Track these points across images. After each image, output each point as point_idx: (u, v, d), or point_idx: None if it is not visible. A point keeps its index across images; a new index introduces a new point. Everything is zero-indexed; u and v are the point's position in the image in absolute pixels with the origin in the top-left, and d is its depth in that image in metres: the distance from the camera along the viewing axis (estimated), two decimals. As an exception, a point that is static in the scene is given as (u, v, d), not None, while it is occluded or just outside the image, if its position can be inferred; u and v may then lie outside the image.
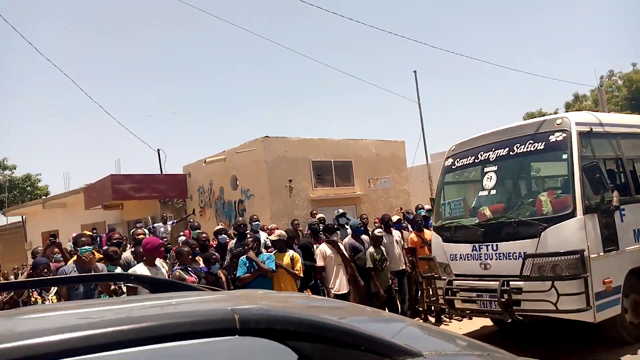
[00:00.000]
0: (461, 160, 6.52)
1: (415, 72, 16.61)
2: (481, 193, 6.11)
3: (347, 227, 8.66)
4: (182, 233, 10.00)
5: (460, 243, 5.93)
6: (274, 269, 6.13)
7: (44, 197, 26.32)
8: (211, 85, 72.46)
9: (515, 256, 5.23)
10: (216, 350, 1.00)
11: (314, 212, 10.85)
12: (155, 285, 1.67)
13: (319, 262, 6.93)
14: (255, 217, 8.62)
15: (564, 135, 5.34)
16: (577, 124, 5.38)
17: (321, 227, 7.85)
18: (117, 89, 63.37)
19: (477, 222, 5.91)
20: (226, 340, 0.94)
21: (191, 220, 13.34)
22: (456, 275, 5.89)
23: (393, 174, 14.60)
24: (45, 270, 6.07)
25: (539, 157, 5.83)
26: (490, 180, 5.92)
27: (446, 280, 5.91)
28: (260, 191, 12.77)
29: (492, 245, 5.49)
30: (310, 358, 0.97)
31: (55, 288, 5.50)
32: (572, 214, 4.99)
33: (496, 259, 5.44)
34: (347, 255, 7.06)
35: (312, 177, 13.19)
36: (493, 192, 5.92)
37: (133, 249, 7.32)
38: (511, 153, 5.81)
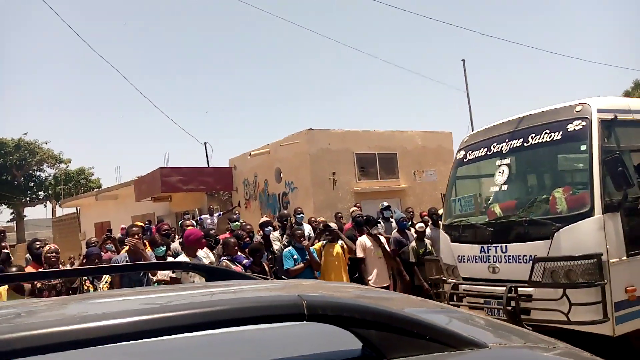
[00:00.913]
0: (473, 153, 5.97)
1: (463, 60, 16.22)
2: (492, 188, 5.58)
3: (392, 220, 8.55)
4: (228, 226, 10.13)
5: (468, 243, 5.48)
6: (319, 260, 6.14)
7: (96, 190, 27.48)
8: (257, 79, 73.37)
9: (525, 259, 4.77)
10: (282, 336, 1.05)
11: (358, 204, 10.76)
12: (212, 274, 1.68)
13: (359, 254, 6.92)
14: (299, 209, 8.63)
15: (584, 123, 4.75)
16: (600, 110, 4.77)
17: (364, 219, 7.76)
18: (165, 84, 65.16)
19: (486, 220, 5.43)
20: (288, 326, 0.98)
21: (237, 213, 13.54)
22: (463, 278, 5.46)
23: (439, 166, 14.25)
24: (97, 260, 6.29)
25: (556, 149, 5.16)
26: (502, 175, 5.41)
27: (451, 285, 5.51)
28: (303, 183, 12.77)
29: (502, 246, 5.03)
30: (375, 345, 0.98)
31: (107, 277, 5.68)
32: (590, 213, 4.42)
33: (505, 262, 4.99)
34: (387, 249, 7.00)
35: (355, 170, 13.07)
36: (504, 187, 5.40)
37: (181, 240, 7.49)
38: (525, 144, 5.24)
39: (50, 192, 36.17)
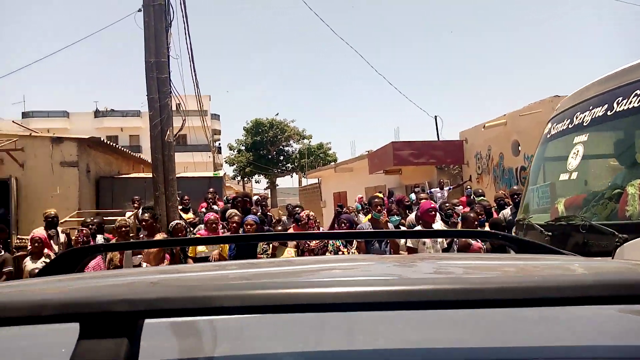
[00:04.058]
0: (558, 126, 4.48)
1: None
2: (562, 176, 4.17)
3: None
4: (458, 200, 9.94)
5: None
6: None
7: (334, 163, 30.22)
8: (489, 47, 69.16)
9: None
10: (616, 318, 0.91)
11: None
12: (523, 246, 1.59)
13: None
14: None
15: None
16: None
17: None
18: (396, 58, 66.77)
19: (547, 221, 4.01)
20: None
21: (468, 187, 13.14)
22: None
23: None
24: (345, 225, 6.94)
25: None
26: (575, 158, 3.97)
27: None
28: (546, 157, 11.58)
29: None
30: None
31: (355, 242, 6.21)
32: None
33: None
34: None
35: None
36: (575, 175, 4.00)
37: (414, 213, 7.67)
38: (608, 113, 3.70)
39: (295, 164, 41.21)
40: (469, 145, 15.46)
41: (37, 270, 5.92)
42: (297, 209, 8.17)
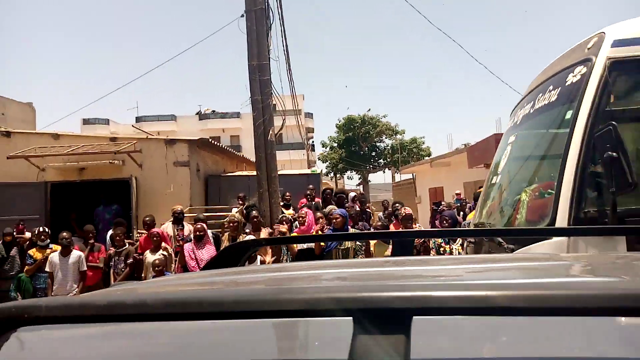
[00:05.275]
0: (509, 123, 4.27)
1: None
2: (494, 179, 4.12)
3: None
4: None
5: None
6: None
7: (428, 157, 29.50)
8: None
9: None
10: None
11: None
12: None
13: None
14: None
15: (584, 71, 2.89)
16: (616, 44, 2.82)
17: None
18: (495, 45, 63.72)
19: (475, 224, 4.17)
20: None
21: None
22: None
23: None
24: (447, 223, 6.75)
25: (547, 119, 3.38)
26: (504, 159, 3.90)
27: None
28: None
29: None
30: None
31: (459, 239, 6.00)
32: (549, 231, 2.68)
33: None
34: None
35: None
36: (496, 179, 4.01)
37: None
38: (531, 111, 3.60)
39: (388, 160, 40.85)
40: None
41: (157, 261, 6.46)
42: (397, 204, 8.08)
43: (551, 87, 3.34)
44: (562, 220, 2.71)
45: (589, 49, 3.00)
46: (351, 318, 0.51)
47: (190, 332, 0.77)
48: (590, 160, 2.71)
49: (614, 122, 2.56)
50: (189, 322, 0.71)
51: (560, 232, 2.62)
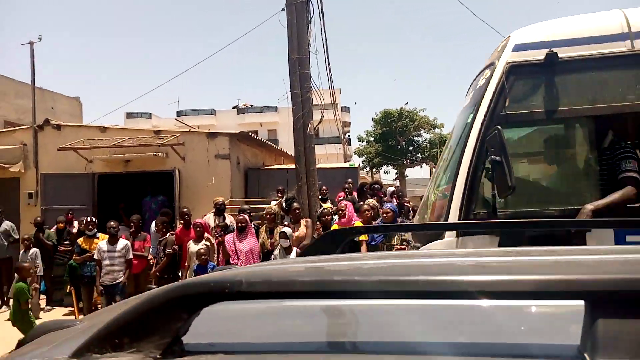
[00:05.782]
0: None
1: None
2: (434, 171, 4.52)
3: None
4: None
5: None
6: None
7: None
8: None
9: None
10: None
11: None
12: None
13: None
14: None
15: (488, 74, 2.99)
16: (518, 48, 2.91)
17: None
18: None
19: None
20: None
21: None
22: None
23: None
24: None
25: (462, 122, 3.37)
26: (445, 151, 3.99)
27: None
28: None
29: None
30: None
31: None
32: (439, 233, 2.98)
33: None
34: None
35: None
36: (436, 173, 4.02)
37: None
38: (466, 96, 3.62)
39: (426, 154, 40.28)
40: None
41: (202, 250, 6.64)
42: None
43: (469, 90, 3.47)
44: (453, 220, 2.87)
45: (498, 52, 3.12)
46: (583, 302, 0.50)
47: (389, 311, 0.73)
48: (482, 163, 2.84)
49: (499, 127, 2.65)
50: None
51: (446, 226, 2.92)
